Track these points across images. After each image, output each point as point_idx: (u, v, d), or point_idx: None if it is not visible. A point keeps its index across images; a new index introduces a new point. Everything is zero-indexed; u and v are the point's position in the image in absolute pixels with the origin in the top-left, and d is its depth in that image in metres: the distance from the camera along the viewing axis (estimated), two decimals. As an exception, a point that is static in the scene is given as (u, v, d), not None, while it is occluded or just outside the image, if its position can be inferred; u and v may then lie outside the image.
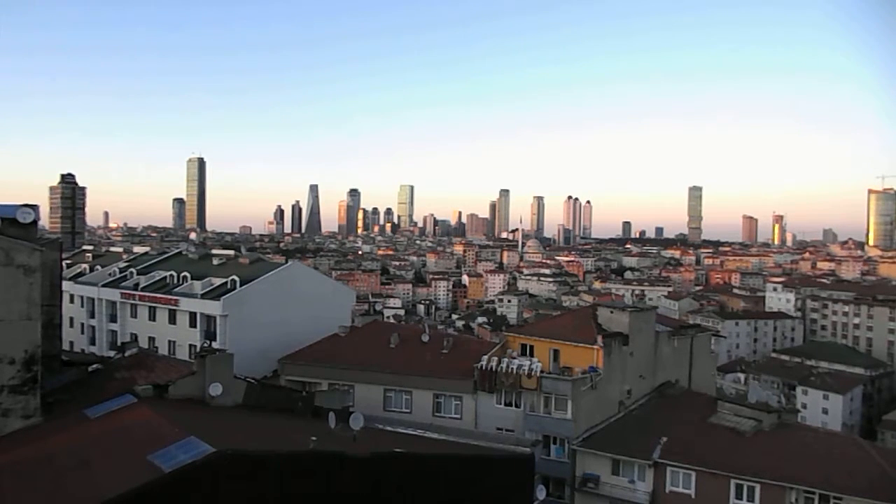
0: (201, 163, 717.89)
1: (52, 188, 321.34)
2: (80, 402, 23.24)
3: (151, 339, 53.41)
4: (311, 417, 26.54)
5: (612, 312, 46.15)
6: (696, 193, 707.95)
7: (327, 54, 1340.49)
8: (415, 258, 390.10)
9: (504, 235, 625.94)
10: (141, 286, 56.74)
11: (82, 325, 60.89)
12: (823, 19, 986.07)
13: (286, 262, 69.96)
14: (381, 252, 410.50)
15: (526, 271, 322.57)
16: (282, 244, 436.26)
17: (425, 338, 49.02)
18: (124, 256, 70.53)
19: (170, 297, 53.90)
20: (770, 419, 39.72)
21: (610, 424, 41.96)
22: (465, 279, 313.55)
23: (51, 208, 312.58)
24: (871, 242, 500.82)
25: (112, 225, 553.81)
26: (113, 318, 57.97)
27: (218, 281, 53.86)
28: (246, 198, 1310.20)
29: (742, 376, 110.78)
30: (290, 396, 29.61)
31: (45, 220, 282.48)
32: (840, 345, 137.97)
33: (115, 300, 57.67)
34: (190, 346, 50.01)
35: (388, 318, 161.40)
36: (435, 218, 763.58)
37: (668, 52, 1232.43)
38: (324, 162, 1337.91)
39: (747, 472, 35.75)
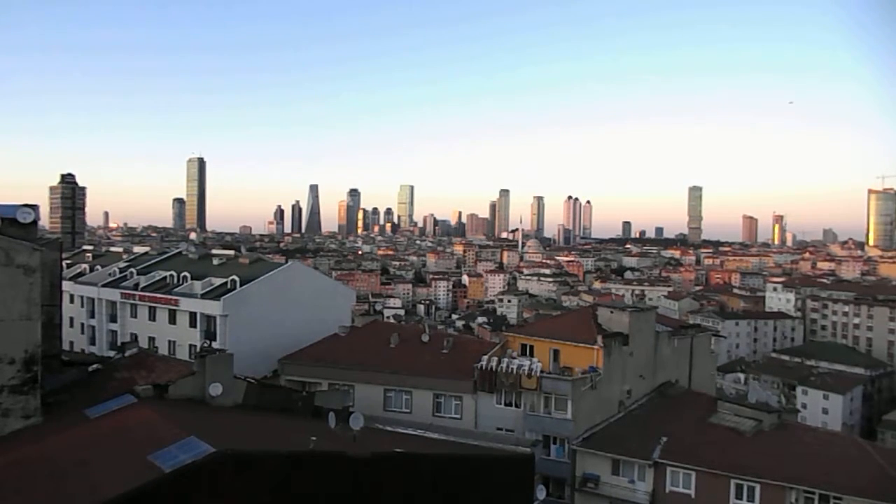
0: (201, 163, 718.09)
1: (52, 188, 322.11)
2: (80, 402, 23.19)
3: (151, 339, 53.37)
4: (311, 417, 26.52)
5: (612, 312, 46.17)
6: (696, 193, 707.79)
7: (327, 53, 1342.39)
8: (415, 258, 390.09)
9: (504, 235, 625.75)
10: (141, 286, 56.75)
11: (82, 325, 60.91)
12: (824, 18, 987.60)
13: (286, 262, 69.87)
14: (381, 252, 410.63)
15: (526, 271, 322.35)
16: (282, 244, 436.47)
17: (425, 338, 49.04)
18: (124, 256, 70.55)
19: (170, 297, 53.92)
20: (770, 419, 39.76)
21: (610, 424, 41.98)
22: (465, 279, 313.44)
23: (51, 208, 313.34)
24: (871, 242, 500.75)
25: (112, 225, 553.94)
26: (113, 318, 58.00)
27: (218, 281, 53.88)
28: (246, 198, 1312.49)
29: (742, 376, 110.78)
30: (290, 396, 29.56)
31: (45, 220, 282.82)
32: (840, 345, 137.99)
33: (115, 300, 57.69)
34: (190, 346, 50.00)
35: (388, 318, 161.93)
36: (435, 218, 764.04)
37: (668, 51, 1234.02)
38: (324, 162, 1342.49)
39: (747, 472, 35.78)
